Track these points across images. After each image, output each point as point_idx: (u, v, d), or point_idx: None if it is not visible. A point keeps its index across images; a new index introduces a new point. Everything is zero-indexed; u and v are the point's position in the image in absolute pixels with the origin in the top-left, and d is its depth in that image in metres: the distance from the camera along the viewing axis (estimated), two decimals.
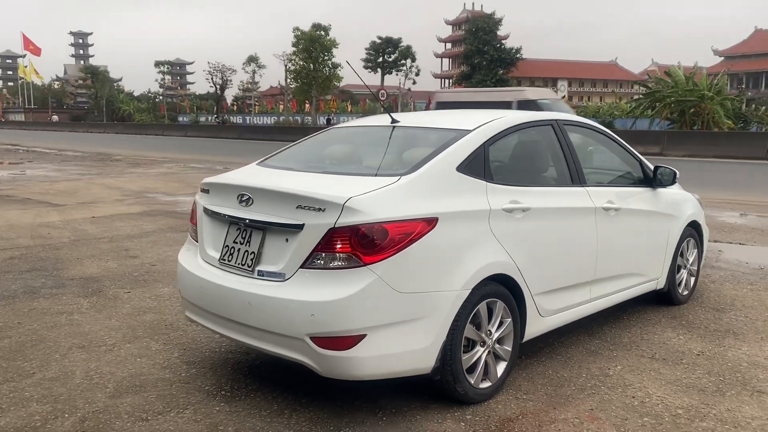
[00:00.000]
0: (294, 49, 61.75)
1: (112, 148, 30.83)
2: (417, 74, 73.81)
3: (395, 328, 2.99)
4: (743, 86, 73.15)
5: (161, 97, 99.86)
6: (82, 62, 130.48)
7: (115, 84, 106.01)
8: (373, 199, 3.01)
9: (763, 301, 5.27)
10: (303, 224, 3.01)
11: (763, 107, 32.51)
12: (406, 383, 3.26)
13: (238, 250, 3.32)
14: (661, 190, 4.84)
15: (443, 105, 19.74)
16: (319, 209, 2.98)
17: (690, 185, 5.61)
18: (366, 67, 73.97)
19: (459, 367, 3.21)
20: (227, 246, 3.39)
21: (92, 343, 4.24)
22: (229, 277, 3.30)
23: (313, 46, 60.47)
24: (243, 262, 3.27)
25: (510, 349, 3.52)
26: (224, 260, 3.38)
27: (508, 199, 3.50)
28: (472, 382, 3.30)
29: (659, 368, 3.86)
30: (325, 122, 56.44)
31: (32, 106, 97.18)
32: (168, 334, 4.43)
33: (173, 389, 3.54)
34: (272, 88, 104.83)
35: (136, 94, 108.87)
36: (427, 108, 59.67)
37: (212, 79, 77.50)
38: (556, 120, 4.22)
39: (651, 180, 4.77)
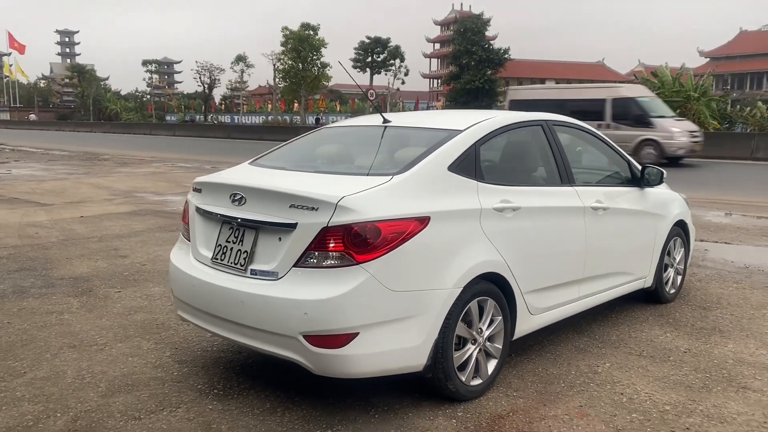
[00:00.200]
0: (283, 48, 61.58)
1: (99, 148, 30.63)
2: (406, 74, 73.84)
3: (388, 326, 3.02)
4: (728, 87, 73.91)
5: (149, 96, 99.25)
6: (68, 61, 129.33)
7: (102, 83, 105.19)
8: (365, 199, 3.03)
9: (748, 299, 5.35)
10: (296, 223, 3.04)
11: (748, 108, 32.76)
12: (397, 381, 3.28)
13: (231, 249, 3.33)
14: (648, 189, 4.90)
15: (520, 105, 18.58)
16: (312, 208, 3.00)
17: (676, 185, 5.68)
18: (355, 67, 73.87)
19: (450, 364, 3.25)
20: (220, 245, 3.40)
21: (83, 343, 4.23)
22: (221, 276, 3.32)
23: (302, 45, 60.32)
24: (236, 261, 3.28)
25: (500, 347, 3.56)
26: (217, 259, 3.40)
27: (498, 199, 3.54)
28: (464, 380, 3.34)
29: (647, 365, 3.92)
30: (314, 122, 56.36)
31: (18, 105, 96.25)
32: (159, 333, 4.43)
33: (165, 388, 3.55)
34: (261, 87, 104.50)
35: (123, 93, 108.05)
36: (416, 108, 59.59)
37: (200, 78, 77.19)
38: (545, 120, 4.26)
39: (639, 180, 4.83)
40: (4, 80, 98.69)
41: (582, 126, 4.72)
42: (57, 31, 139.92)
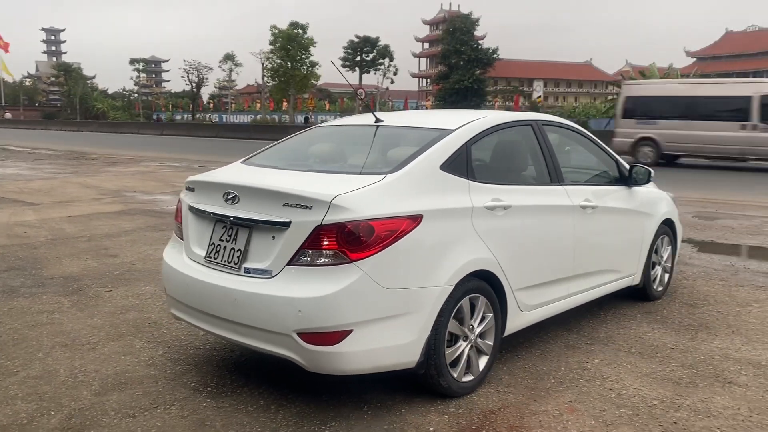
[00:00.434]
0: (271, 47, 61.48)
1: (86, 147, 30.42)
2: (395, 73, 73.93)
3: (381, 323, 3.06)
4: None
5: (136, 95, 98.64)
6: (54, 59, 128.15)
7: (88, 81, 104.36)
8: (359, 197, 3.06)
9: (734, 296, 5.43)
10: (290, 222, 3.06)
11: None
12: (390, 378, 3.32)
13: (224, 247, 3.35)
14: (636, 188, 4.96)
15: (638, 102, 16.59)
16: (306, 207, 3.03)
17: (663, 184, 5.75)
18: (344, 66, 73.83)
19: (443, 361, 3.29)
20: (213, 244, 3.42)
21: (75, 342, 4.23)
22: (215, 275, 3.34)
23: (291, 44, 60.27)
24: (229, 260, 3.30)
25: (492, 344, 3.61)
26: (210, 258, 3.41)
27: (489, 197, 3.58)
28: (455, 376, 3.38)
29: (635, 361, 3.98)
30: (303, 121, 56.34)
31: (3, 104, 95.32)
32: (152, 332, 4.44)
33: (159, 386, 3.57)
34: (249, 86, 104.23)
35: (110, 91, 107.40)
36: (405, 107, 59.62)
37: (188, 77, 76.91)
38: (535, 120, 4.32)
39: (627, 179, 4.89)
40: None
41: (571, 126, 4.78)
42: (43, 29, 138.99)
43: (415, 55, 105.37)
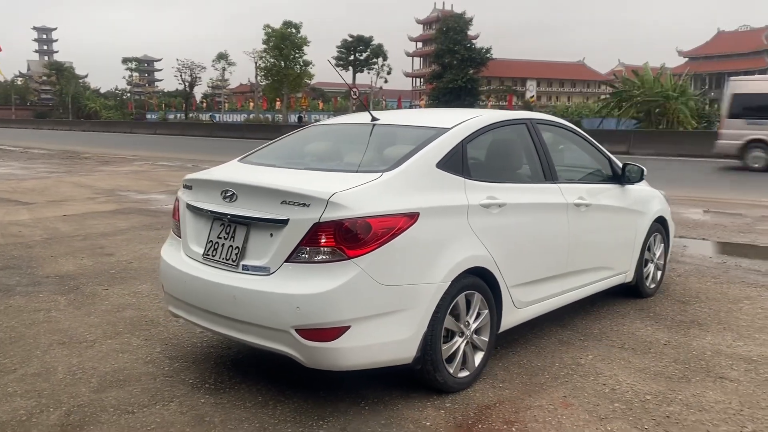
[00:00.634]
0: (265, 46, 61.41)
1: (79, 146, 30.34)
2: (389, 73, 73.95)
3: (378, 319, 3.09)
4: (706, 86, 74.95)
5: (129, 95, 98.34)
6: (46, 58, 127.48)
7: (80, 81, 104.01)
8: (356, 195, 3.10)
9: (726, 293, 5.50)
10: (288, 219, 3.09)
11: None
12: (387, 373, 3.35)
13: (222, 245, 3.38)
14: (629, 186, 5.02)
15: (749, 100, 15.21)
16: (304, 204, 3.06)
17: (656, 183, 5.81)
18: (337, 65, 73.85)
19: (439, 356, 3.32)
20: (211, 241, 3.45)
21: (72, 340, 4.25)
22: (213, 272, 3.36)
23: (284, 43, 60.24)
24: (227, 257, 3.33)
25: (487, 340, 3.65)
26: (208, 255, 3.44)
27: (485, 195, 3.62)
28: (451, 372, 3.42)
29: (628, 357, 4.03)
30: (296, 120, 56.28)
31: None
32: (149, 329, 4.46)
33: (157, 383, 3.59)
34: (242, 85, 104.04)
35: (102, 91, 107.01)
36: (398, 107, 59.62)
37: (181, 76, 76.76)
38: (530, 119, 4.36)
39: (620, 177, 4.94)
40: None
41: (565, 124, 4.83)
42: (34, 28, 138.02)
43: (408, 55, 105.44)
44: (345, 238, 3.02)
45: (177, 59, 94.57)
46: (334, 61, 69.48)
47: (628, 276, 5.09)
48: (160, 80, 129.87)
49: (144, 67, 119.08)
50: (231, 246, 3.33)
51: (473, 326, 3.55)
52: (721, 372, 3.81)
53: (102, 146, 30.88)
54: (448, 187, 3.48)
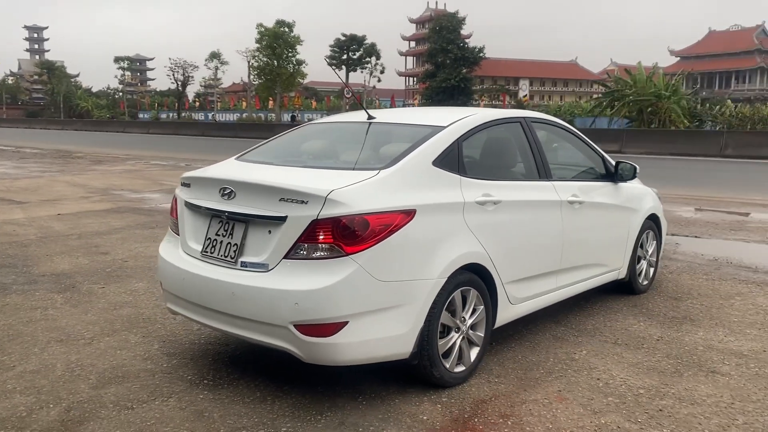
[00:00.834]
0: (257, 45, 61.32)
1: (72, 145, 30.23)
2: (382, 72, 73.96)
3: (376, 315, 3.13)
4: (698, 86, 75.36)
5: (121, 94, 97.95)
6: (37, 57, 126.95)
7: (72, 80, 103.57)
8: (354, 192, 3.13)
9: (717, 290, 5.56)
10: (286, 216, 3.12)
11: (717, 106, 33.58)
12: (384, 368, 3.39)
13: (221, 242, 3.41)
14: (622, 184, 5.07)
15: None
16: (302, 202, 3.09)
17: (648, 181, 5.87)
18: (330, 65, 73.80)
19: (435, 352, 3.37)
20: (209, 238, 3.47)
21: (70, 337, 4.26)
22: (212, 269, 3.39)
23: (277, 42, 60.17)
24: (226, 254, 3.36)
25: (482, 335, 3.69)
26: (206, 252, 3.47)
27: (480, 193, 3.66)
28: (448, 367, 3.46)
29: (622, 352, 4.08)
30: (289, 119, 56.17)
31: None
32: (146, 327, 4.48)
33: (156, 379, 3.62)
34: (235, 84, 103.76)
35: (94, 90, 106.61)
36: (392, 106, 59.63)
37: (173, 75, 76.49)
38: (524, 117, 4.41)
39: (613, 175, 5.00)
40: None
41: (559, 123, 4.88)
42: (25, 26, 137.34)
43: (401, 54, 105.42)
44: (343, 235, 3.05)
45: (169, 58, 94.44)
46: (334, 65, 69.44)
47: (621, 273, 5.15)
48: (153, 79, 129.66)
49: (136, 66, 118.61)
50: (229, 243, 3.36)
51: (469, 322, 3.60)
52: (712, 366, 3.87)
53: (95, 145, 30.78)
54: (444, 184, 3.53)
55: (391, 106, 57.48)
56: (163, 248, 3.85)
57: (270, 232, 3.20)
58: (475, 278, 3.59)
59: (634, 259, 5.26)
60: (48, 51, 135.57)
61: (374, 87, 75.68)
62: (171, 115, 78.58)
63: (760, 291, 5.53)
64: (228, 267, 3.33)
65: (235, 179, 3.44)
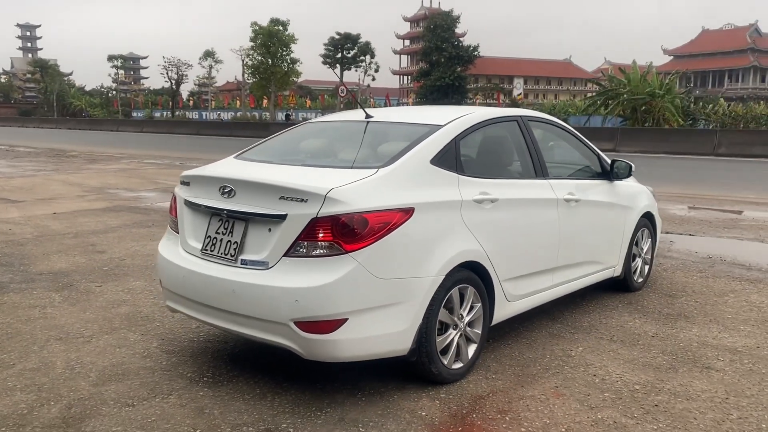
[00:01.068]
0: (252, 44, 61.20)
1: (66, 144, 30.14)
2: (376, 71, 73.89)
3: (375, 312, 3.16)
4: (691, 84, 75.67)
5: (114, 92, 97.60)
6: (30, 55, 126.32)
7: (65, 78, 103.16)
8: (353, 190, 3.16)
9: (711, 287, 5.62)
10: (286, 214, 3.15)
11: (710, 105, 33.70)
12: (383, 365, 3.42)
13: (221, 240, 3.43)
14: (617, 182, 5.12)
15: None
16: (302, 200, 3.12)
17: (642, 179, 5.92)
18: (325, 63, 73.73)
19: (434, 348, 3.40)
20: (209, 236, 3.49)
21: (69, 335, 4.28)
22: (212, 267, 3.41)
23: (272, 40, 60.04)
24: (226, 252, 3.38)
25: (480, 332, 3.73)
26: (206, 250, 3.49)
27: (477, 191, 3.70)
28: (446, 363, 3.49)
29: (617, 349, 4.12)
30: (284, 118, 56.15)
31: None
32: (145, 325, 4.50)
33: (156, 377, 3.64)
34: (229, 83, 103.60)
35: (87, 88, 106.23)
36: (387, 105, 59.70)
37: (167, 73, 76.26)
38: (520, 116, 4.44)
39: (608, 173, 5.04)
40: None
41: (555, 122, 4.92)
42: (18, 24, 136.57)
43: (395, 52, 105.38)
44: (342, 233, 3.08)
45: (163, 57, 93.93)
46: (318, 60, 69.35)
47: (617, 270, 5.19)
48: (146, 78, 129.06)
49: (130, 64, 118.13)
50: (229, 241, 3.38)
51: (467, 319, 3.63)
52: (707, 362, 3.91)
53: (89, 144, 30.69)
54: (442, 182, 3.56)
55: (386, 105, 57.47)
56: (163, 246, 3.87)
57: (270, 230, 3.22)
58: (472, 276, 3.62)
59: (630, 257, 5.31)
60: (41, 49, 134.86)
61: (369, 86, 75.64)
62: (165, 113, 78.36)
63: (753, 288, 5.59)
64: (228, 265, 3.35)
65: (235, 178, 3.46)
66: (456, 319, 3.57)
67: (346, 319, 3.09)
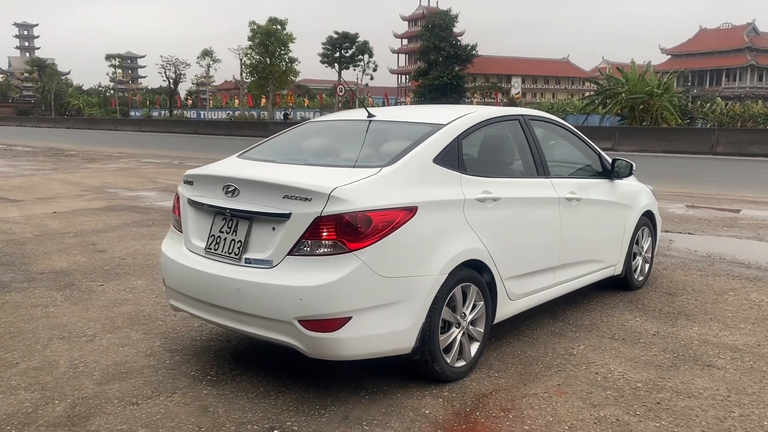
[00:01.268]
0: (250, 43, 61.19)
1: (64, 143, 30.10)
2: (374, 70, 74.02)
3: (378, 310, 3.17)
4: (689, 84, 75.76)
5: (112, 92, 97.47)
6: (27, 55, 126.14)
7: (63, 77, 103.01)
8: (357, 189, 3.17)
9: (711, 285, 5.64)
10: (290, 213, 3.16)
11: (708, 104, 33.76)
12: (386, 363, 3.43)
13: (225, 239, 3.44)
14: (618, 181, 5.13)
15: None
16: (306, 199, 3.13)
17: (640, 178, 5.93)
18: (323, 62, 73.75)
19: (437, 347, 3.41)
20: (213, 235, 3.50)
21: (72, 334, 4.29)
22: (216, 266, 3.42)
23: (270, 40, 60.04)
24: (230, 251, 3.39)
25: (482, 331, 3.74)
26: (210, 249, 3.50)
27: (480, 190, 3.71)
28: (449, 361, 3.51)
29: (619, 347, 4.14)
30: (282, 117, 56.11)
31: None
32: (147, 324, 4.50)
33: (159, 375, 3.64)
34: (227, 82, 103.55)
35: (85, 87, 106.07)
36: (385, 104, 59.65)
37: (165, 73, 76.26)
38: (522, 115, 4.46)
39: (609, 172, 5.06)
40: None
41: (556, 121, 4.93)
42: (15, 24, 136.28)
43: (393, 52, 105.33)
44: (346, 232, 3.09)
45: (161, 56, 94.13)
46: (316, 59, 69.33)
47: (618, 269, 5.21)
48: (144, 77, 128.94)
49: (127, 63, 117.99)
50: (233, 240, 3.39)
51: (469, 317, 3.64)
52: (708, 360, 3.93)
53: (87, 143, 30.66)
54: (445, 181, 3.57)
55: (384, 104, 57.48)
56: (166, 245, 3.88)
57: (274, 228, 3.23)
58: (475, 274, 3.63)
59: (630, 256, 5.33)
60: (38, 48, 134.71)
61: (367, 85, 75.66)
62: (163, 113, 78.28)
63: (753, 286, 5.61)
64: (232, 264, 3.36)
65: (239, 177, 3.47)
66: (459, 317, 3.58)
67: (350, 318, 3.10)
